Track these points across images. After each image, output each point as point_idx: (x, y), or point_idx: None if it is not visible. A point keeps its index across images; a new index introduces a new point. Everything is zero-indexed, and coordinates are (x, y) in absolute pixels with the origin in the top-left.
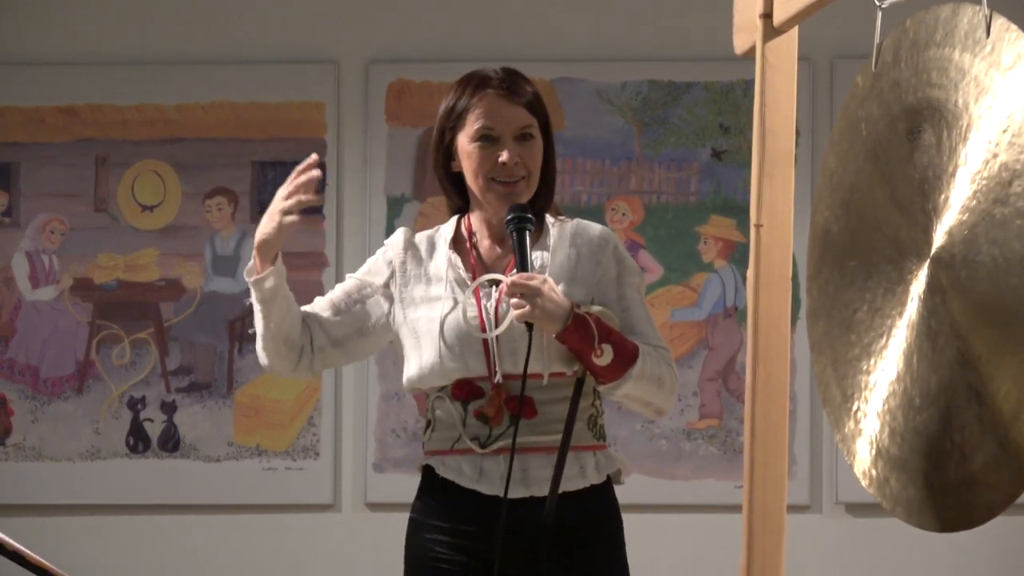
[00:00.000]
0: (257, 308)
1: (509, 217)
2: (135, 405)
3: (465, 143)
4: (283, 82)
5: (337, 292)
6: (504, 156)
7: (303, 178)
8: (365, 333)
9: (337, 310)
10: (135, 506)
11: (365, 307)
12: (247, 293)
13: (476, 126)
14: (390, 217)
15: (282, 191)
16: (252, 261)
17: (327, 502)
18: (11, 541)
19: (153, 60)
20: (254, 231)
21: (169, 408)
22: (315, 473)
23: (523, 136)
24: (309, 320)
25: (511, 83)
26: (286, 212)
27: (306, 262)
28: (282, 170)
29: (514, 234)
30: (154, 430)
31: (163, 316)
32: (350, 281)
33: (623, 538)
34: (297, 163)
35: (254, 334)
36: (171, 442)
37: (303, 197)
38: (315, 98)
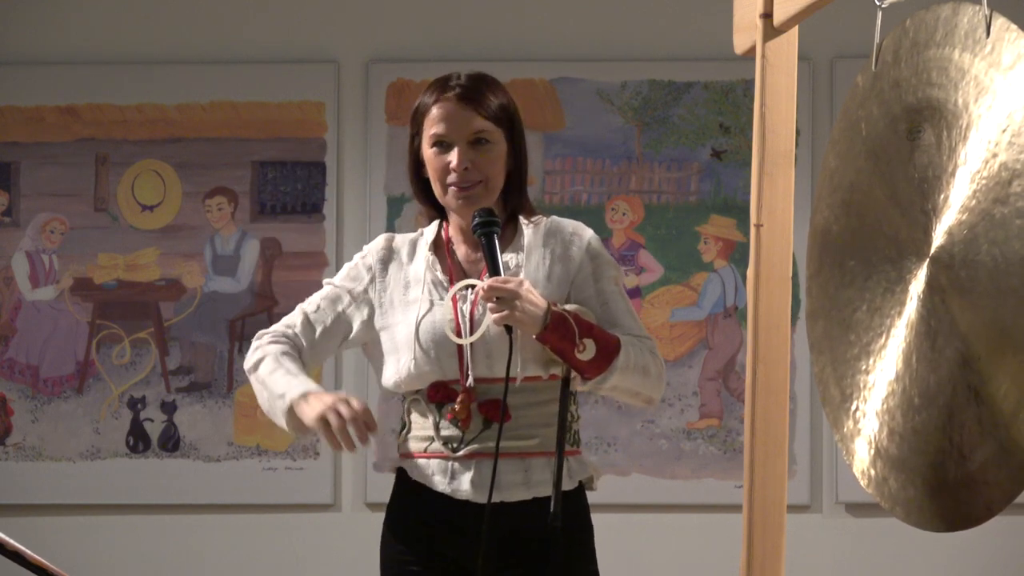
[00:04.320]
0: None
1: (475, 223)
2: (135, 405)
3: (425, 148)
4: (283, 82)
5: (321, 306)
6: (453, 161)
7: (360, 434)
8: (344, 343)
9: (324, 326)
10: (135, 506)
11: (346, 315)
12: (247, 293)
13: (431, 131)
14: (390, 217)
15: (345, 410)
16: (286, 411)
17: (327, 502)
18: (11, 541)
19: (153, 60)
20: (254, 231)
21: (169, 408)
22: (315, 473)
23: (477, 141)
24: (303, 352)
25: (469, 89)
26: (325, 424)
27: (306, 262)
28: (282, 170)
29: (482, 239)
30: (154, 430)
31: (163, 316)
32: (329, 289)
33: (594, 547)
34: (297, 163)
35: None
36: (171, 442)
37: (353, 442)
38: (315, 98)
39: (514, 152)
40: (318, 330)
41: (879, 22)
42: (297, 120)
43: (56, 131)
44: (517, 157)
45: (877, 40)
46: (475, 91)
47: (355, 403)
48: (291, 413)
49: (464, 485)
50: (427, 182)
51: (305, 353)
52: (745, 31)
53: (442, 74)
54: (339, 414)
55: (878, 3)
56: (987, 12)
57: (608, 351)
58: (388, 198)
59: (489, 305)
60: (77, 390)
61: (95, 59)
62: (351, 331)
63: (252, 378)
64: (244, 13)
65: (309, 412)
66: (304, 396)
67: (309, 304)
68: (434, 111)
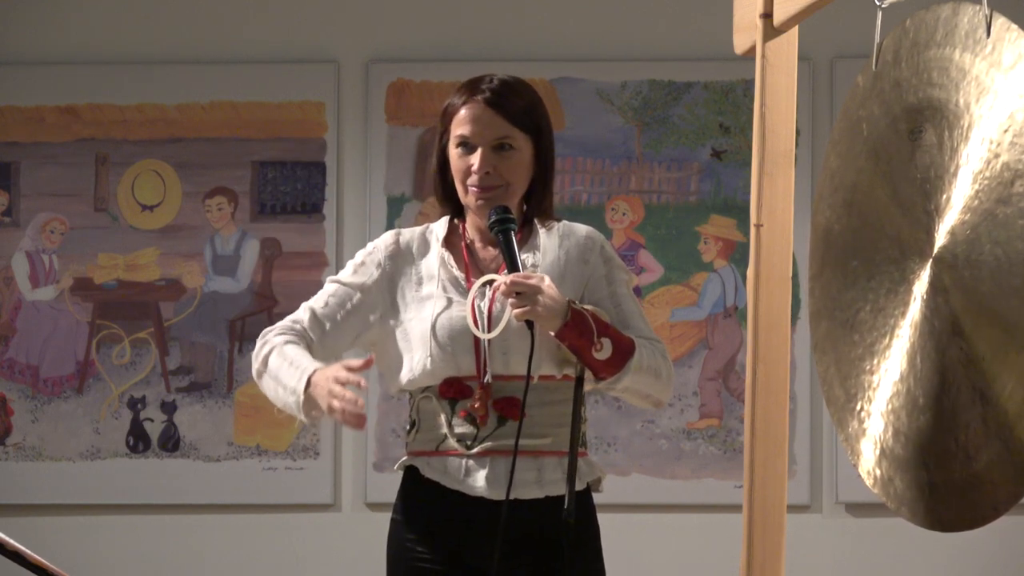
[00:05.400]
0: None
1: (492, 220)
2: (135, 405)
3: (451, 147)
4: (283, 82)
5: (330, 303)
6: (474, 164)
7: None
8: (356, 340)
9: (334, 322)
10: (135, 506)
11: (357, 312)
12: (247, 293)
13: (457, 132)
14: (390, 217)
15: (337, 404)
16: (298, 398)
17: (327, 502)
18: (11, 541)
19: (153, 60)
20: (254, 231)
21: (169, 408)
22: (315, 473)
23: (500, 146)
24: (312, 346)
25: (498, 92)
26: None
27: (306, 262)
28: (282, 170)
29: (500, 236)
30: (154, 430)
31: (163, 316)
32: (336, 287)
33: (601, 548)
34: (297, 163)
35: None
36: (171, 442)
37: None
38: (315, 98)
39: (540, 158)
40: (327, 326)
41: (879, 22)
42: (297, 120)
43: (56, 131)
44: (543, 163)
45: (877, 40)
46: (503, 96)
47: (346, 395)
48: (307, 404)
49: (479, 482)
50: (450, 179)
51: (315, 349)
52: (745, 31)
53: (473, 75)
54: (335, 406)
55: (878, 3)
56: (987, 12)
57: (623, 351)
58: (388, 198)
59: (510, 300)
60: (77, 390)
61: (95, 59)
62: (364, 328)
63: (264, 375)
64: (244, 13)
65: (320, 403)
66: (309, 386)
67: (316, 301)
68: (462, 112)
